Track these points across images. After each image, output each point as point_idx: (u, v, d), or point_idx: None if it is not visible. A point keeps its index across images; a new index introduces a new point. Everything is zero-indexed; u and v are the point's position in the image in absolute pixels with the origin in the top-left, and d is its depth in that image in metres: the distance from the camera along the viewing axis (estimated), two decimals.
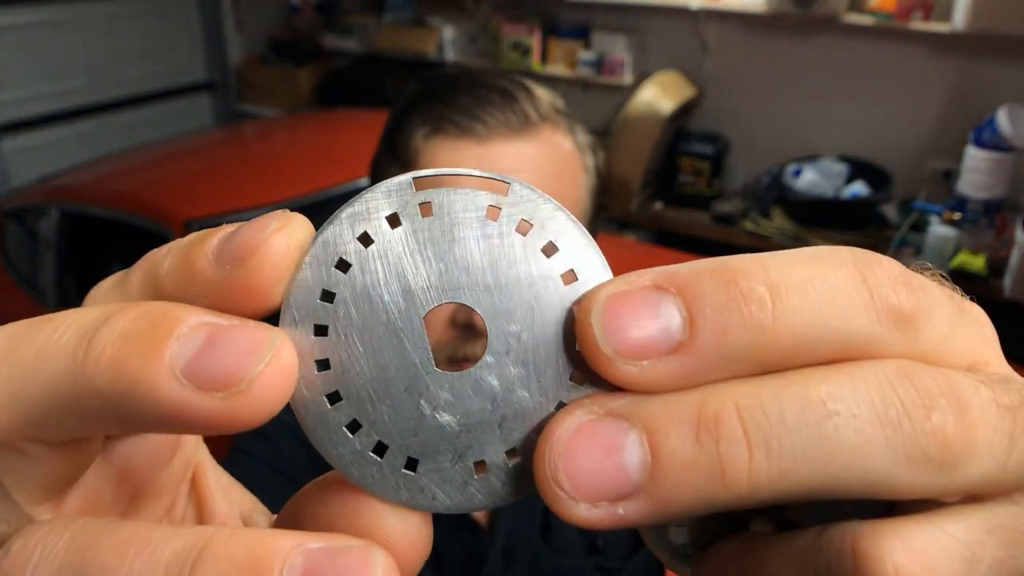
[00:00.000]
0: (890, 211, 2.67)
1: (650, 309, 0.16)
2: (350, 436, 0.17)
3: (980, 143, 2.39)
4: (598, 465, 0.16)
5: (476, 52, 3.44)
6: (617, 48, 3.08)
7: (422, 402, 0.18)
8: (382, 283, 0.17)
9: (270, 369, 0.15)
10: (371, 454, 0.17)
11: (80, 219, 2.06)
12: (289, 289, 0.17)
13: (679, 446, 0.15)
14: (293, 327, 0.17)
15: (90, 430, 0.17)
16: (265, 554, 0.15)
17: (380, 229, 0.17)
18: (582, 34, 3.19)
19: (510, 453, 0.18)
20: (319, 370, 0.17)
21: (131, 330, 0.15)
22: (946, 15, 2.48)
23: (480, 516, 0.71)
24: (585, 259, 0.18)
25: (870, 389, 0.16)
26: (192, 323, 0.15)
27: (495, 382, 0.18)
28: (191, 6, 3.95)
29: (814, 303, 0.16)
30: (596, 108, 3.10)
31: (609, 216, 2.95)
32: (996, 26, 2.36)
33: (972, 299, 0.19)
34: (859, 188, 2.68)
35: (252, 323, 0.16)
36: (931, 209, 2.55)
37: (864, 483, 0.16)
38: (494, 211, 0.18)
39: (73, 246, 2.08)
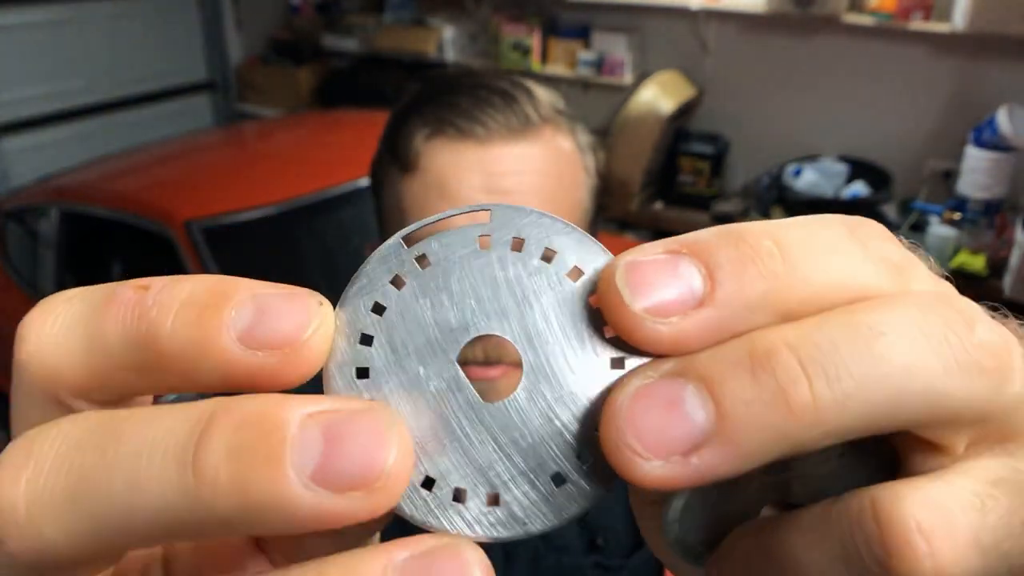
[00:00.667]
0: (890, 211, 2.67)
1: (670, 268, 0.17)
2: (427, 493, 0.18)
3: (980, 143, 2.39)
4: (664, 420, 0.16)
5: (476, 52, 3.44)
6: (617, 48, 3.08)
7: (483, 439, 0.18)
8: (409, 343, 0.18)
9: (400, 457, 0.15)
10: (454, 503, 0.18)
11: (80, 219, 2.06)
12: (326, 378, 0.18)
13: (739, 387, 0.16)
14: None
15: (192, 541, 0.17)
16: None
17: (388, 294, 0.18)
18: (582, 34, 3.19)
19: (580, 456, 0.18)
20: (358, 378, 0.18)
21: (239, 445, 0.15)
22: (946, 15, 2.49)
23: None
24: (584, 252, 0.18)
25: (910, 312, 0.16)
26: (300, 421, 0.15)
27: (542, 397, 0.18)
28: (191, 6, 3.95)
29: (817, 255, 0.17)
30: (596, 108, 3.10)
31: (609, 216, 2.95)
32: (996, 26, 2.36)
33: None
34: (859, 188, 2.68)
35: (363, 409, 0.16)
36: (931, 209, 2.56)
37: (921, 396, 0.16)
38: (485, 240, 0.18)
39: (73, 246, 2.08)
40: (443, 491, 0.18)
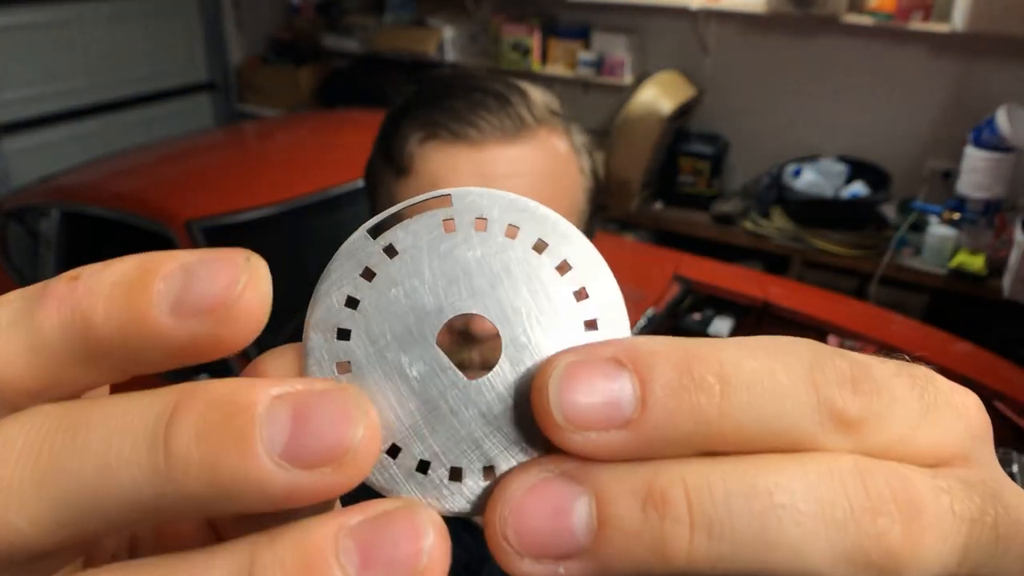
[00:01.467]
0: (890, 211, 2.67)
1: (606, 380, 0.16)
2: (423, 476, 0.18)
3: (979, 143, 2.39)
4: (546, 524, 0.16)
5: (476, 52, 3.44)
6: (617, 48, 3.09)
7: (472, 415, 0.18)
8: (387, 332, 0.18)
9: (368, 433, 0.16)
10: (452, 482, 0.18)
11: (80, 219, 2.06)
12: (304, 372, 0.18)
13: (626, 516, 0.16)
14: None
15: (162, 523, 0.17)
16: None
17: (360, 287, 0.18)
18: (582, 34, 3.19)
19: (486, 471, 0.18)
20: (340, 373, 0.18)
21: (209, 425, 0.15)
22: (946, 15, 2.49)
23: (481, 520, 0.71)
24: (544, 226, 0.19)
25: (820, 484, 0.16)
26: (268, 401, 0.15)
27: (523, 367, 0.18)
28: (191, 6, 3.95)
29: (760, 400, 0.16)
30: (596, 108, 3.11)
31: (609, 216, 2.95)
32: (996, 26, 2.36)
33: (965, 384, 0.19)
34: (859, 188, 2.68)
35: (330, 388, 0.16)
36: (930, 209, 2.56)
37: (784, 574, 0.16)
38: (449, 224, 0.18)
39: (73, 246, 2.08)
40: (439, 472, 0.18)
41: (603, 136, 2.94)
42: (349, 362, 0.18)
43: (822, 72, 2.82)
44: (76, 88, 3.55)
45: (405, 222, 0.19)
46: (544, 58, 3.25)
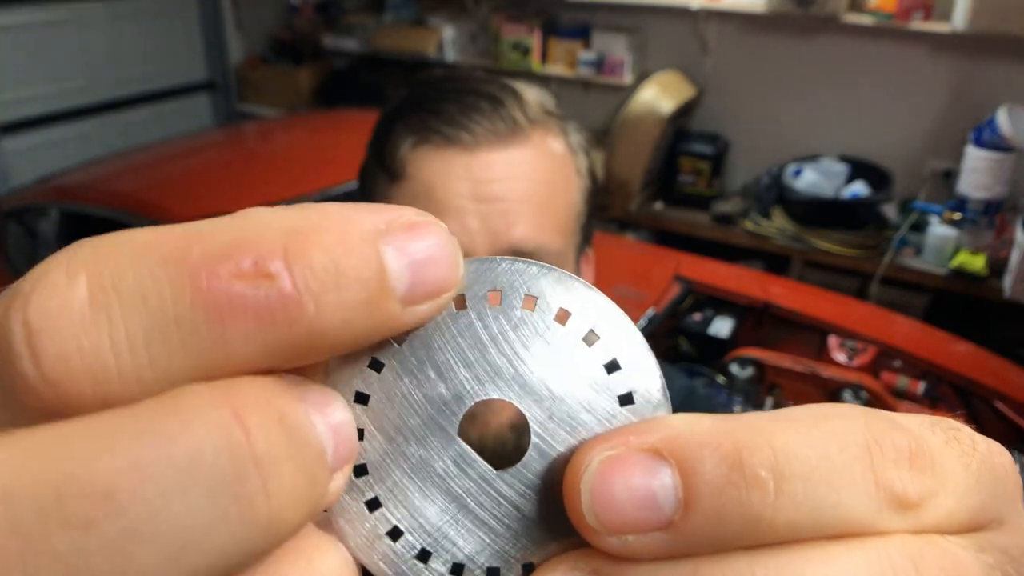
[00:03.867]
0: (890, 211, 2.67)
1: (643, 480, 0.15)
2: (424, 566, 0.17)
3: (980, 143, 2.39)
4: None
5: (476, 52, 3.44)
6: (617, 48, 3.08)
7: (505, 511, 0.17)
8: (404, 427, 0.17)
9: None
10: (386, 537, 0.17)
11: (80, 219, 2.06)
12: None
13: None
14: None
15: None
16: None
17: (369, 380, 0.17)
18: (582, 34, 3.19)
19: (527, 568, 0.17)
20: (356, 476, 0.17)
21: (300, 463, 0.13)
22: (946, 15, 2.49)
23: None
24: (566, 291, 0.17)
25: (872, 573, 0.15)
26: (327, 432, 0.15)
27: (559, 446, 0.17)
28: (191, 6, 3.95)
29: (817, 492, 0.15)
30: (596, 108, 3.10)
31: (609, 216, 2.95)
32: (996, 26, 2.36)
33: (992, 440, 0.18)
34: (859, 188, 2.68)
35: (331, 398, 0.15)
36: (931, 209, 2.56)
37: None
38: (459, 300, 0.17)
39: None
40: (476, 575, 0.17)
41: (603, 136, 2.94)
42: (364, 464, 0.17)
43: (822, 72, 2.82)
44: (76, 88, 3.55)
45: None
46: (544, 58, 3.25)
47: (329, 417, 0.15)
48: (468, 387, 0.17)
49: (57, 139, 3.48)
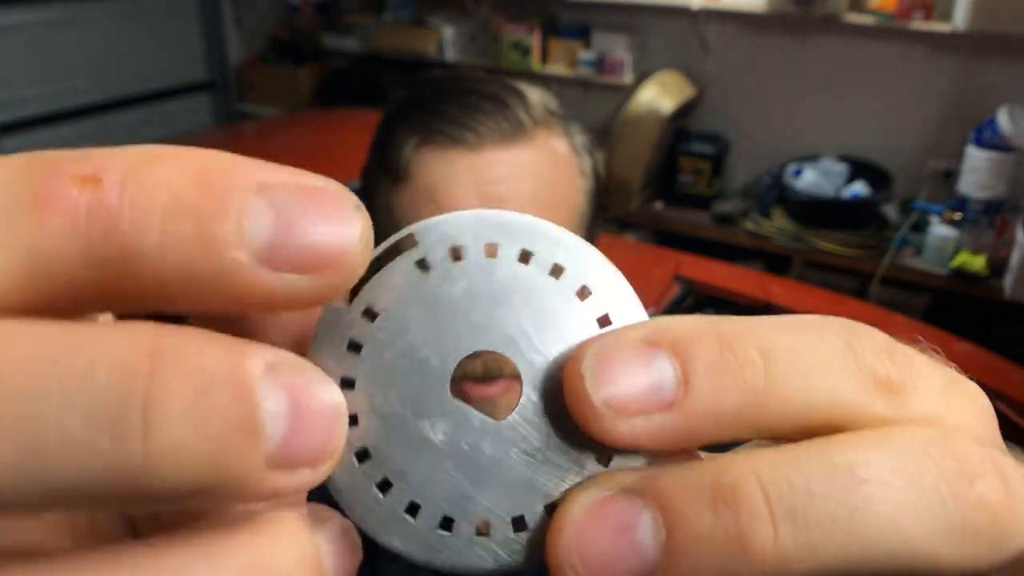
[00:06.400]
0: (890, 211, 2.67)
1: (644, 361, 0.15)
2: (449, 534, 0.17)
3: (980, 143, 2.39)
4: (612, 546, 0.15)
5: (476, 52, 3.44)
6: (617, 48, 3.08)
7: (509, 462, 0.17)
8: (396, 402, 0.17)
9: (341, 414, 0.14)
10: (479, 538, 0.17)
11: None
12: (313, 345, 0.17)
13: (696, 520, 0.14)
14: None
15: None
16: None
17: (350, 364, 0.17)
18: (582, 34, 3.18)
19: (516, 522, 0.17)
20: (360, 461, 0.17)
21: (202, 419, 0.12)
22: (946, 15, 2.48)
23: None
24: (525, 235, 0.17)
25: (903, 455, 0.15)
26: (267, 387, 0.13)
27: (535, 414, 0.17)
28: (191, 6, 3.95)
29: (806, 370, 0.16)
30: (596, 108, 3.10)
31: (609, 216, 2.95)
32: (996, 26, 2.36)
33: (970, 377, 0.18)
34: (859, 188, 2.67)
35: (315, 375, 0.14)
36: (931, 209, 2.55)
37: (903, 557, 0.15)
38: (424, 263, 0.17)
39: None
40: (502, 528, 0.17)
41: (603, 136, 2.93)
42: (366, 447, 0.17)
43: (823, 72, 2.82)
44: (76, 88, 3.54)
45: (376, 277, 0.17)
46: (544, 58, 3.25)
47: (303, 400, 0.13)
48: (451, 348, 0.17)
49: (57, 139, 3.48)
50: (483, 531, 0.17)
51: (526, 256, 0.17)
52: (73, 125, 3.56)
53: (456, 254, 0.17)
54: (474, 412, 0.17)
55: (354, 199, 0.15)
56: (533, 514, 0.17)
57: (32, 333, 0.12)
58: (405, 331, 0.17)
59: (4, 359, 0.12)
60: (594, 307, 0.17)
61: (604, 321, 0.17)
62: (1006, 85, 2.48)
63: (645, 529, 0.15)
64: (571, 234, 0.17)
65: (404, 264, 0.17)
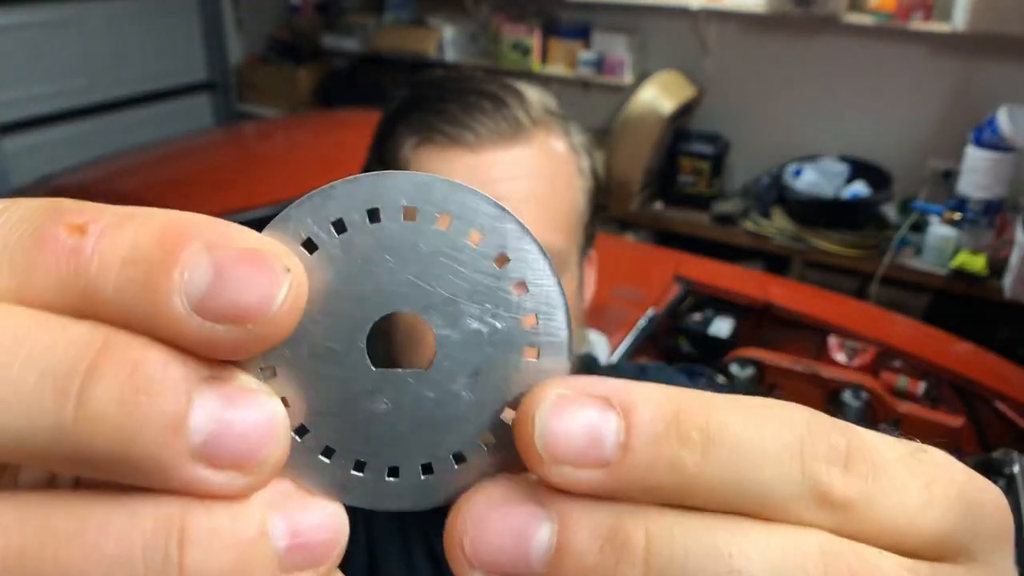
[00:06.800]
0: (890, 211, 2.67)
1: (591, 421, 0.16)
2: (298, 440, 0.18)
3: (980, 143, 2.39)
4: (506, 543, 0.16)
5: (476, 52, 3.44)
6: (617, 48, 3.08)
7: (357, 396, 0.18)
8: (318, 340, 0.18)
9: (274, 425, 0.16)
10: (320, 457, 0.18)
11: None
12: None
13: (585, 551, 0.16)
14: None
15: (46, 468, 0.16)
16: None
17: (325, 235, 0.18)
18: (582, 34, 3.18)
19: (424, 467, 0.18)
20: (266, 377, 0.18)
21: (132, 396, 0.14)
22: (946, 15, 2.48)
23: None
24: (455, 197, 0.18)
25: (782, 557, 0.16)
26: (201, 397, 0.15)
27: (431, 393, 0.18)
28: (191, 6, 3.95)
29: (741, 463, 0.16)
30: (596, 108, 3.10)
31: (609, 216, 2.95)
32: (996, 26, 2.36)
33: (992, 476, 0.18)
34: (859, 188, 2.68)
35: (254, 391, 0.16)
36: (931, 209, 2.56)
37: None
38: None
39: None
40: (380, 471, 0.18)
41: (603, 136, 2.93)
42: (302, 424, 0.18)
43: (822, 72, 2.82)
44: (76, 88, 3.54)
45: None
46: (544, 58, 3.25)
47: (234, 407, 0.15)
48: (366, 309, 0.18)
49: (57, 139, 3.48)
50: (358, 469, 0.18)
51: (446, 220, 0.18)
52: (73, 125, 3.56)
53: (375, 215, 0.18)
54: (394, 372, 0.18)
55: (287, 262, 0.16)
56: (442, 464, 0.18)
57: (18, 312, 0.15)
58: (324, 298, 0.17)
59: (16, 335, 0.15)
60: (512, 273, 0.18)
61: (519, 287, 0.18)
62: (1005, 85, 2.48)
63: (540, 541, 0.16)
64: (482, 195, 0.18)
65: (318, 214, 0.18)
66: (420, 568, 0.68)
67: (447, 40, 3.43)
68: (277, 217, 0.18)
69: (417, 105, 0.70)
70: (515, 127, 0.67)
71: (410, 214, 0.18)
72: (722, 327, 1.79)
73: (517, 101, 0.68)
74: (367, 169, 0.75)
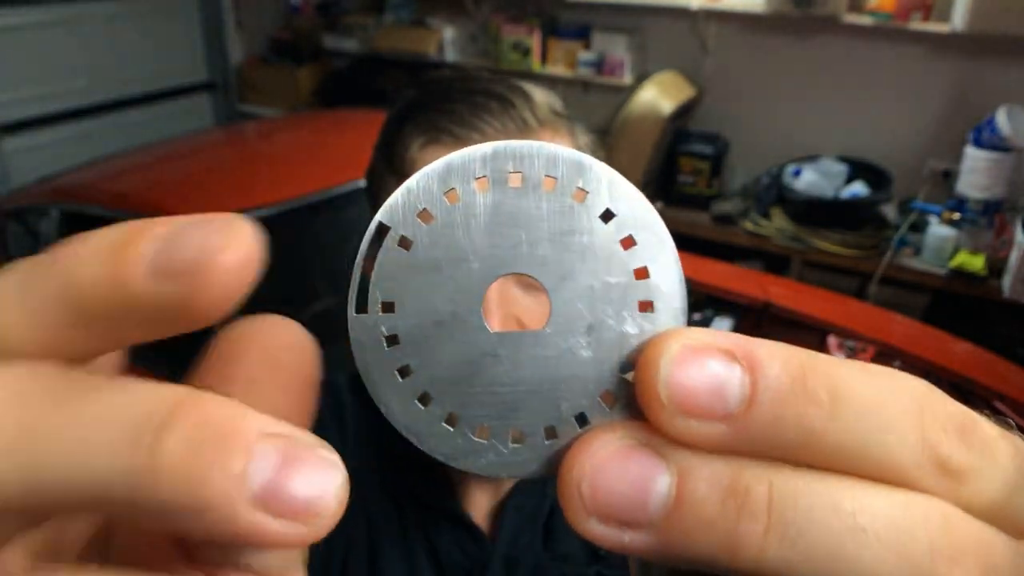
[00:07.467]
0: (890, 211, 2.67)
1: (717, 372, 0.16)
2: (400, 380, 0.18)
3: (979, 143, 2.39)
4: (624, 489, 0.16)
5: (476, 52, 3.44)
6: (617, 48, 3.08)
7: (477, 359, 0.18)
8: (434, 307, 0.18)
9: (337, 498, 0.16)
10: (416, 403, 0.18)
11: (80, 219, 2.06)
12: (361, 360, 0.18)
13: (705, 501, 0.16)
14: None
15: (117, 517, 0.17)
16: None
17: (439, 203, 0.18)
18: (582, 34, 3.19)
19: (548, 431, 0.18)
20: (383, 311, 0.18)
21: (200, 441, 0.15)
22: (946, 15, 2.49)
23: (483, 523, 0.71)
24: (578, 172, 0.18)
25: (906, 518, 0.16)
26: (257, 436, 0.15)
27: (550, 352, 0.18)
28: (191, 6, 3.95)
29: (866, 426, 0.16)
30: (596, 108, 3.10)
31: None
32: (996, 26, 2.36)
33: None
34: (859, 188, 2.68)
35: (312, 442, 0.16)
36: (931, 209, 2.56)
37: None
38: (482, 182, 0.18)
39: None
40: (413, 385, 0.18)
41: (603, 136, 2.94)
42: (397, 335, 0.18)
43: (822, 72, 2.82)
44: (76, 88, 3.55)
45: (375, 273, 0.18)
46: (544, 58, 3.25)
47: (291, 460, 0.15)
48: (482, 272, 0.18)
49: (57, 139, 3.48)
50: (518, 439, 0.18)
51: (580, 196, 0.18)
52: (73, 125, 3.56)
53: (516, 180, 0.18)
54: (511, 331, 0.18)
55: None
56: (564, 425, 0.18)
57: (110, 381, 0.16)
58: (424, 304, 0.18)
59: (96, 395, 0.15)
60: (635, 260, 0.18)
61: (640, 274, 0.18)
62: (1005, 85, 2.48)
63: (659, 490, 0.16)
64: (628, 183, 0.18)
65: (391, 248, 0.18)
66: (421, 568, 0.68)
67: (447, 40, 3.43)
68: (402, 185, 0.18)
69: (424, 105, 0.70)
70: (522, 128, 0.67)
71: (516, 180, 0.18)
72: (722, 327, 1.79)
73: (524, 102, 0.68)
74: (373, 169, 0.75)
